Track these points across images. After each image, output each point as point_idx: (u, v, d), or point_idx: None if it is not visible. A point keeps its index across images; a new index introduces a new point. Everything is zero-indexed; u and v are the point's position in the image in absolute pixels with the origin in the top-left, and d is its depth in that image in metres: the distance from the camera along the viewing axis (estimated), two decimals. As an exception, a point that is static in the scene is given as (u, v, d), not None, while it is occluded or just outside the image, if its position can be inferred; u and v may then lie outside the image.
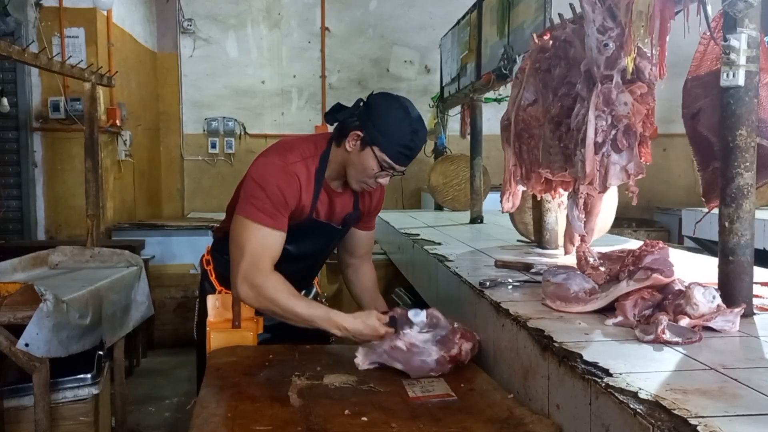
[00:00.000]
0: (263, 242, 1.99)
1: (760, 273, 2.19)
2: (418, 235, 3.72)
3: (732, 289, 1.63)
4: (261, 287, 1.97)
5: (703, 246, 5.17)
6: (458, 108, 5.08)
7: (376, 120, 1.96)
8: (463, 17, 4.66)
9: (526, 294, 2.02)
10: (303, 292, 2.33)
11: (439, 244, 3.29)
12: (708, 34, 1.82)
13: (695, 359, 1.36)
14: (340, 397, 1.63)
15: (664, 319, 1.49)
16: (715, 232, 1.66)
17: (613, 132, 1.90)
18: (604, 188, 1.97)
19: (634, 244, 2.96)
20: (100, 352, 3.00)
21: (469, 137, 4.65)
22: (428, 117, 6.14)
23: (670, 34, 1.79)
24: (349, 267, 2.42)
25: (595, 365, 1.30)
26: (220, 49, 7.78)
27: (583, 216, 2.10)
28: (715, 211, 1.73)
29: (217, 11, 7.75)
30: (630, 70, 1.86)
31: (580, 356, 1.36)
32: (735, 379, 1.22)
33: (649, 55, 1.85)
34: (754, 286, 1.71)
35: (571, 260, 2.26)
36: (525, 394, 1.61)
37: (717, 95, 1.71)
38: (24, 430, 2.71)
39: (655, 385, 1.19)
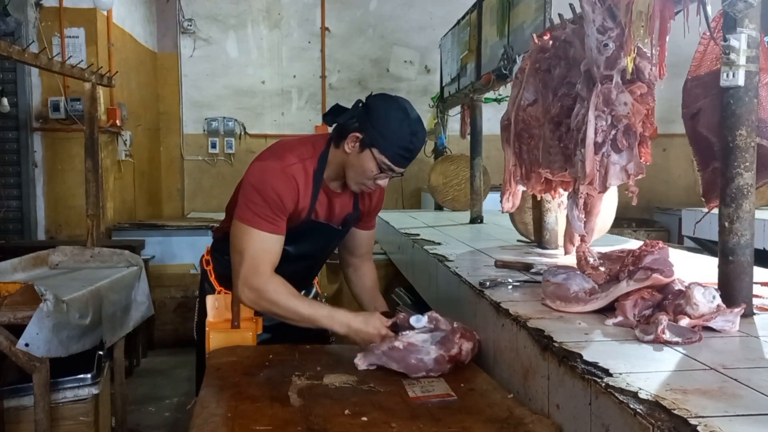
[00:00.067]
0: (262, 247, 1.99)
1: (760, 273, 2.19)
2: (418, 235, 3.72)
3: (732, 289, 1.63)
4: (262, 291, 1.98)
5: (703, 246, 5.17)
6: (458, 108, 5.08)
7: (375, 122, 1.95)
8: (463, 17, 4.65)
9: (526, 294, 2.02)
10: (303, 292, 2.33)
11: (439, 244, 3.29)
12: (708, 34, 1.82)
13: (695, 359, 1.36)
14: (340, 397, 1.63)
15: (664, 319, 1.49)
16: (715, 232, 1.66)
17: (613, 132, 1.90)
18: (604, 188, 1.97)
19: (634, 244, 2.96)
20: (100, 352, 3.00)
21: (469, 137, 4.65)
22: (428, 117, 6.14)
23: (670, 34, 1.79)
24: (349, 266, 2.42)
25: (595, 365, 1.30)
26: (220, 49, 7.78)
27: (583, 216, 2.10)
28: (715, 211, 1.73)
29: (217, 11, 7.75)
30: (630, 70, 1.86)
31: (580, 356, 1.36)
32: (735, 379, 1.22)
33: (649, 55, 1.85)
34: (754, 286, 1.71)
35: (571, 260, 2.26)
36: (525, 394, 1.61)
37: (717, 95, 1.71)
38: (24, 430, 2.71)
39: (655, 385, 1.19)
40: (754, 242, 1.63)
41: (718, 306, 1.57)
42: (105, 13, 5.78)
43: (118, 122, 5.82)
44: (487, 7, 4.07)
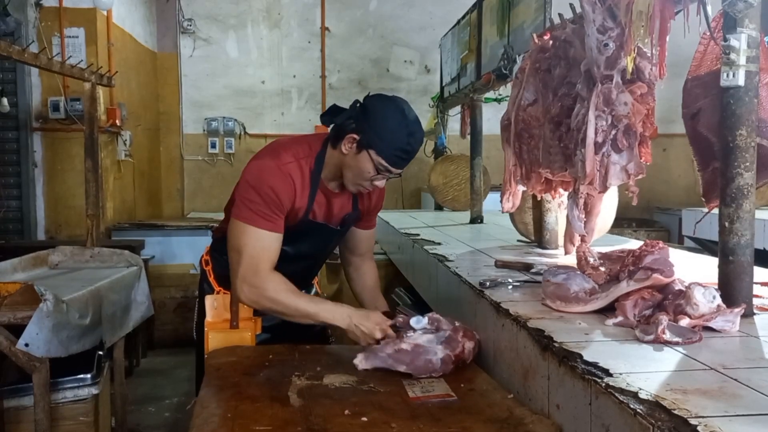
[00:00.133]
0: (261, 245, 1.99)
1: (760, 273, 2.19)
2: (418, 235, 3.72)
3: (732, 289, 1.63)
4: (261, 289, 1.98)
5: (703, 246, 5.17)
6: (458, 108, 5.08)
7: (373, 123, 1.94)
8: (463, 17, 4.65)
9: (526, 294, 2.02)
10: (303, 292, 2.33)
11: (439, 244, 3.29)
12: (708, 34, 1.82)
13: (695, 359, 1.35)
14: (340, 397, 1.63)
15: (664, 319, 1.49)
16: (715, 232, 1.66)
17: (613, 132, 1.90)
18: (604, 188, 1.97)
19: (634, 244, 2.96)
20: (100, 352, 3.00)
21: (469, 137, 4.65)
22: (428, 117, 6.14)
23: (670, 34, 1.79)
24: (350, 265, 2.42)
25: (595, 365, 1.30)
26: (220, 49, 7.78)
27: (583, 216, 2.10)
28: (715, 211, 1.73)
29: (217, 11, 7.75)
30: (630, 70, 1.86)
31: (580, 356, 1.36)
32: (735, 379, 1.22)
33: (649, 55, 1.85)
34: (754, 286, 1.71)
35: (571, 260, 2.25)
36: (525, 394, 1.61)
37: (717, 95, 1.71)
38: (24, 430, 2.71)
39: (655, 385, 1.19)
40: (754, 242, 1.63)
41: (718, 306, 1.57)
42: (105, 13, 5.78)
43: (117, 122, 5.82)
44: (487, 7, 4.07)
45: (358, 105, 2.00)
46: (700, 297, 1.56)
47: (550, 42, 2.37)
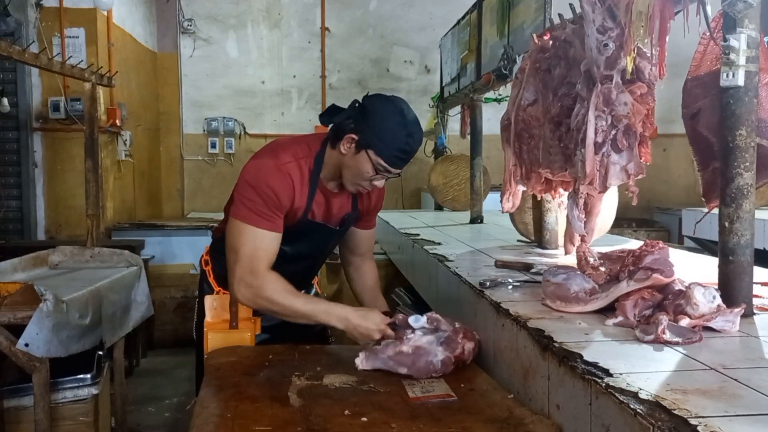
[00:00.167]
0: (258, 244, 1.98)
1: (760, 273, 2.19)
2: (418, 235, 3.72)
3: (732, 289, 1.63)
4: (258, 288, 1.97)
5: (703, 246, 5.17)
6: (458, 108, 5.08)
7: (372, 123, 1.93)
8: (463, 17, 4.65)
9: (526, 294, 2.02)
10: (302, 292, 2.33)
11: (439, 244, 3.29)
12: (708, 34, 1.82)
13: (695, 359, 1.35)
14: (340, 397, 1.63)
15: (664, 319, 1.49)
16: (715, 232, 1.66)
17: (613, 132, 1.90)
18: (604, 188, 1.97)
19: (634, 244, 2.96)
20: (100, 352, 3.00)
21: (469, 137, 4.65)
22: (428, 117, 6.14)
23: (670, 34, 1.79)
24: (350, 265, 2.42)
25: (595, 365, 1.30)
26: (220, 49, 7.78)
27: (583, 216, 2.10)
28: (715, 211, 1.73)
29: (217, 11, 7.75)
30: (630, 70, 1.86)
31: (580, 356, 1.36)
32: (735, 379, 1.22)
33: (649, 55, 1.85)
34: (754, 286, 1.71)
35: (571, 260, 2.25)
36: (525, 394, 1.61)
37: (717, 95, 1.71)
38: (24, 430, 2.71)
39: (656, 385, 1.19)
40: (754, 242, 1.63)
41: (718, 306, 1.57)
42: (105, 13, 5.78)
43: (118, 122, 5.82)
44: (487, 7, 4.07)
45: (357, 105, 2.00)
46: (700, 297, 1.56)
47: (550, 42, 2.37)
